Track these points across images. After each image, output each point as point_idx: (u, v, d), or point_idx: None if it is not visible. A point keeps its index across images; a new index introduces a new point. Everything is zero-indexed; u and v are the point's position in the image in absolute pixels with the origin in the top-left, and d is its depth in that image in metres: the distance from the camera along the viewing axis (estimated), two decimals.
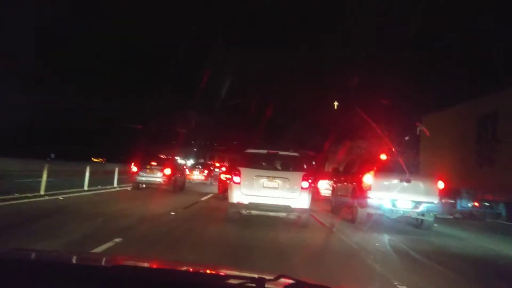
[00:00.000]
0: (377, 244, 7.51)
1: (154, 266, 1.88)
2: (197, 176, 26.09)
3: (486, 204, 11.45)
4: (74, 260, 1.83)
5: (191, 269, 1.81)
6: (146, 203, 11.26)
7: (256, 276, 1.36)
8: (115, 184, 15.64)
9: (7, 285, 1.29)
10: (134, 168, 15.61)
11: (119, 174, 16.35)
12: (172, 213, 9.25)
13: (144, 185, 15.57)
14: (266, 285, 1.31)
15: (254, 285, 1.30)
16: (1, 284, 1.30)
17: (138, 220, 7.84)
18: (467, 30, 15.78)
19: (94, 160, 37.99)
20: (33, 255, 1.80)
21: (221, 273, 1.73)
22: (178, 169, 17.49)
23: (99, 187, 14.05)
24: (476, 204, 11.71)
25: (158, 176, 15.45)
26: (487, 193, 11.04)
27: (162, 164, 15.92)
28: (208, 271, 1.82)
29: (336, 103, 31.18)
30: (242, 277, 1.44)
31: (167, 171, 15.61)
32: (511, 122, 9.70)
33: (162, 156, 18.56)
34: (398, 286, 4.71)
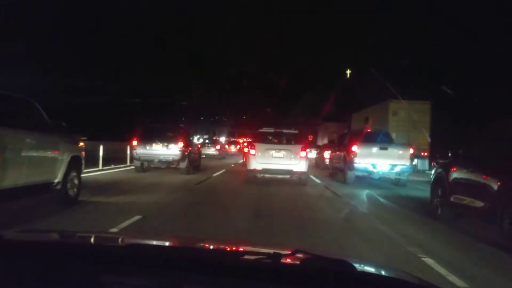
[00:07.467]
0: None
1: (167, 244, 1.80)
2: (233, 149, 39.86)
3: None
4: (78, 240, 1.73)
5: (205, 246, 1.78)
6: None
7: (271, 251, 1.32)
8: None
9: (16, 268, 1.25)
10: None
11: None
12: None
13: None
14: (282, 260, 1.27)
15: (269, 261, 1.25)
16: (12, 267, 1.25)
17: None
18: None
19: None
20: (41, 236, 1.74)
21: (236, 250, 1.72)
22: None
23: None
24: None
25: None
26: None
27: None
28: (222, 248, 1.81)
29: (348, 71, 37.66)
30: (257, 253, 1.42)
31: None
32: (374, 121, 21.59)
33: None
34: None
